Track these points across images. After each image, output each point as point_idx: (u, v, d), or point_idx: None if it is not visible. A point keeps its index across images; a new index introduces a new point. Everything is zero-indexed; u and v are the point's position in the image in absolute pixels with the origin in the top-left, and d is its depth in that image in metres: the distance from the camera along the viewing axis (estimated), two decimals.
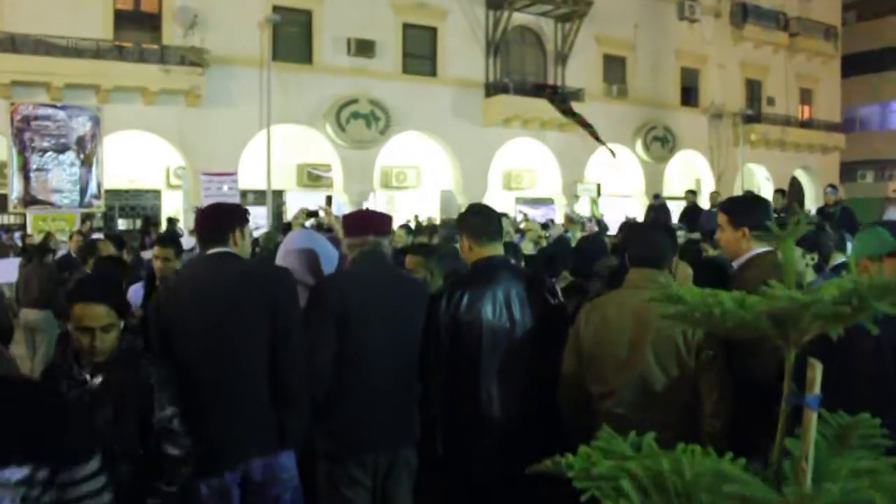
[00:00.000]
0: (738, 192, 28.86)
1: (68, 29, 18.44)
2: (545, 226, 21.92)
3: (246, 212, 3.70)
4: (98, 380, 2.87)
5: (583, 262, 5.13)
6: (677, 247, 3.65)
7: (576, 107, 24.94)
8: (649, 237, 3.43)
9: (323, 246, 4.23)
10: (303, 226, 8.29)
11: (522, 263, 5.85)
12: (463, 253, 3.68)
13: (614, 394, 3.14)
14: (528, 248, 8.64)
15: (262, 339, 3.27)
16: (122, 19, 20.03)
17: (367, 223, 3.77)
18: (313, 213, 9.74)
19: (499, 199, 26.67)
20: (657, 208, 16.73)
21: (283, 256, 4.15)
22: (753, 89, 32.18)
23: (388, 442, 3.50)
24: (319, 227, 8.38)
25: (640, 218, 24.69)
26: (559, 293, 3.66)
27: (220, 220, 3.52)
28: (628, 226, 5.49)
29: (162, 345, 3.31)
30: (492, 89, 24.85)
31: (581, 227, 12.90)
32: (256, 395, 3.28)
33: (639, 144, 28.51)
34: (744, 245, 3.50)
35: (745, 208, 3.67)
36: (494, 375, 3.40)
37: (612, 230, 16.46)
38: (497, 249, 3.57)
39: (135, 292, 5.64)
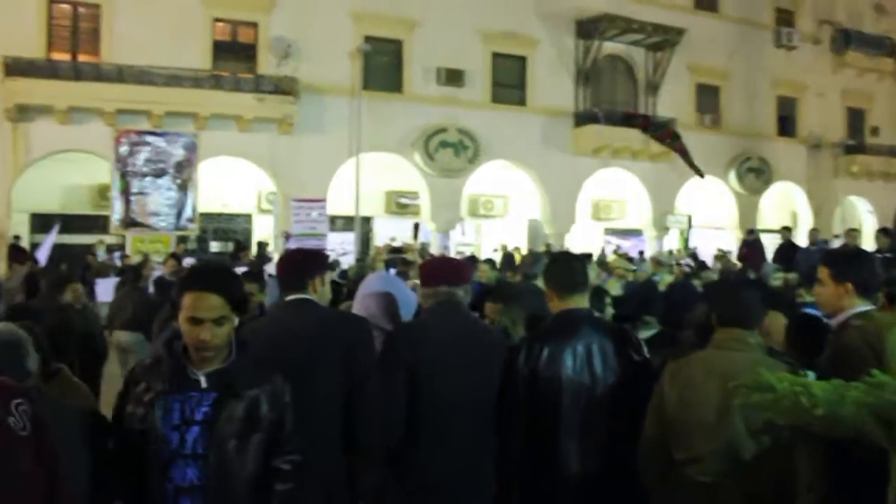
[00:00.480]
0: (837, 225, 27.76)
1: (170, 59, 19.16)
2: (632, 259, 21.47)
3: (326, 258, 3.71)
4: (211, 382, 2.65)
5: (673, 310, 4.82)
6: (767, 305, 3.44)
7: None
8: (738, 295, 3.22)
9: (401, 290, 4.20)
10: (385, 262, 8.22)
11: (609, 307, 5.61)
12: (551, 304, 3.53)
13: (699, 461, 2.95)
14: (614, 287, 8.29)
15: (337, 388, 3.24)
16: (220, 50, 20.76)
17: (442, 273, 3.70)
18: (397, 250, 9.59)
19: (587, 230, 26.37)
20: (751, 244, 16.11)
21: (361, 299, 4.13)
22: (855, 118, 30.97)
23: (463, 498, 3.41)
24: (405, 263, 8.23)
25: (734, 252, 23.99)
26: (644, 348, 3.45)
27: (301, 266, 3.52)
28: (716, 282, 5.17)
29: None
30: (581, 119, 24.61)
31: (669, 270, 12.33)
32: (328, 445, 3.23)
33: (732, 176, 27.72)
34: (845, 302, 3.20)
35: (850, 262, 3.35)
36: (573, 433, 3.25)
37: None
38: (580, 301, 3.41)
39: None
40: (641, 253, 24.53)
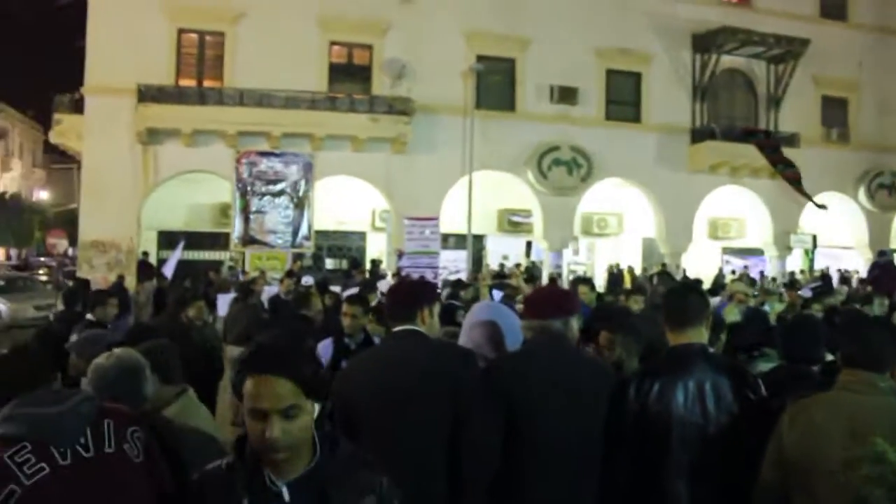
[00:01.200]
0: None
1: (288, 83, 19.79)
2: (754, 281, 20.57)
3: (435, 288, 3.63)
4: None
5: (793, 342, 4.46)
6: None
7: (790, 153, 23.58)
8: (868, 334, 2.94)
9: (508, 319, 4.07)
10: (490, 288, 8.07)
11: (723, 337, 5.33)
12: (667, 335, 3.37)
13: None
14: (732, 313, 7.88)
15: (443, 422, 3.17)
16: (336, 72, 21.29)
17: (548, 305, 3.59)
18: (501, 276, 9.44)
19: (704, 249, 25.56)
20: (882, 266, 15.05)
21: (468, 330, 4.05)
22: None
23: None
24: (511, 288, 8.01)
25: (862, 274, 22.71)
26: (761, 386, 3.22)
27: (410, 297, 3.49)
28: (843, 318, 4.77)
29: (342, 419, 3.27)
30: (698, 135, 23.91)
31: (779, 298, 11.54)
32: (431, 481, 3.15)
33: (862, 192, 26.30)
34: None
35: None
36: (683, 473, 3.08)
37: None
38: (697, 336, 3.24)
39: (324, 349, 5.61)
40: (762, 274, 23.58)
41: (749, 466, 2.99)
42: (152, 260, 21.46)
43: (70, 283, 22.68)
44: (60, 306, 10.47)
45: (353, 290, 11.83)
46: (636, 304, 8.03)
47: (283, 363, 2.06)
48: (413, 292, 3.60)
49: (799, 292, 11.82)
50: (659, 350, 3.63)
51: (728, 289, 11.48)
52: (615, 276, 22.78)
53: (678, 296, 3.44)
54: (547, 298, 3.74)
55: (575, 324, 3.62)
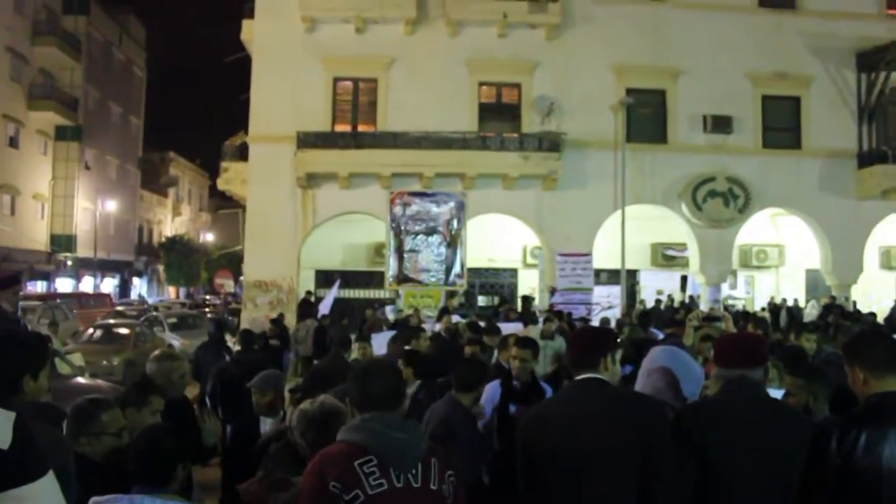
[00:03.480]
0: None
1: (439, 124, 20.26)
2: None
3: (617, 336, 3.57)
4: None
5: None
6: None
7: None
8: None
9: (685, 364, 4.00)
10: (692, 328, 7.81)
11: None
12: (855, 385, 3.10)
13: None
14: None
15: (631, 476, 3.11)
16: (486, 112, 21.56)
17: (738, 353, 3.46)
18: (713, 318, 9.14)
19: (876, 280, 23.97)
20: None
21: (647, 375, 4.01)
22: None
23: None
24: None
25: None
26: None
27: (593, 344, 3.46)
28: None
29: (527, 472, 3.28)
30: (866, 159, 22.53)
31: None
32: None
33: None
34: None
35: None
36: None
37: None
38: None
39: (492, 389, 5.56)
40: None
41: None
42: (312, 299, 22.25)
43: (229, 318, 23.99)
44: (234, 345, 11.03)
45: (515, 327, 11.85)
46: (808, 343, 7.59)
47: None
48: (598, 338, 3.57)
49: None
50: (849, 396, 3.34)
51: None
52: (774, 312, 21.72)
53: (879, 340, 3.17)
54: (739, 346, 3.60)
55: (766, 374, 3.51)
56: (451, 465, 2.61)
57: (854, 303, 21.88)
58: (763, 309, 21.88)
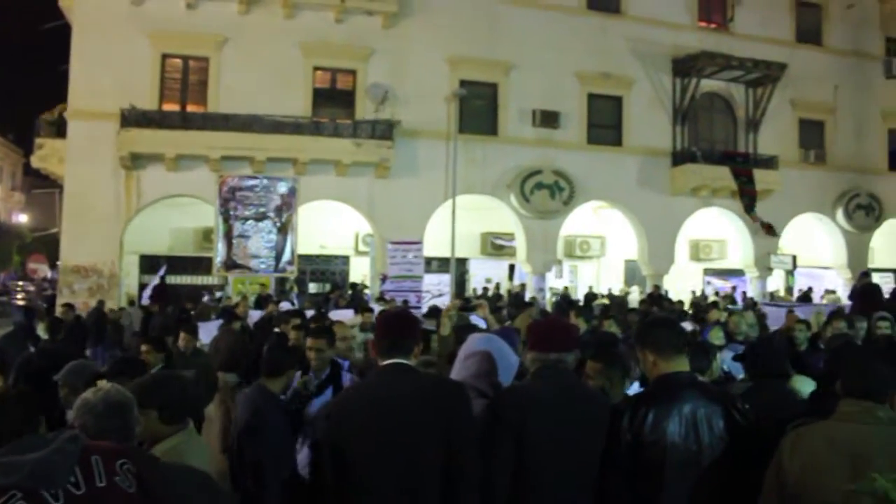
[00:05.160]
0: None
1: (272, 107, 19.89)
2: (735, 301, 20.70)
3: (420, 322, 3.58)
4: None
5: (763, 362, 4.63)
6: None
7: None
8: (869, 365, 3.03)
9: (502, 351, 4.08)
10: (449, 318, 8.05)
11: (716, 363, 5.52)
12: (646, 367, 3.41)
13: None
14: (718, 336, 7.98)
15: (436, 459, 3.17)
16: (320, 97, 21.37)
17: (553, 339, 3.61)
18: (468, 308, 9.35)
19: (686, 270, 25.74)
20: (865, 290, 13.73)
21: (463, 360, 4.05)
22: None
23: None
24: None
25: (843, 294, 22.98)
26: (751, 413, 3.28)
27: (406, 330, 3.46)
28: (842, 349, 4.93)
29: (334, 459, 3.25)
30: (679, 158, 24.17)
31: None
32: None
33: (840, 213, 26.61)
34: None
35: None
36: (678, 501, 3.11)
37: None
38: (683, 365, 3.30)
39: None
40: (745, 294, 23.77)
41: (745, 495, 3.02)
42: (134, 285, 21.36)
43: (45, 307, 22.58)
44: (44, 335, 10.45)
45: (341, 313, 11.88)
46: (612, 328, 8.12)
47: None
48: (410, 325, 3.55)
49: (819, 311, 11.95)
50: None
51: (709, 316, 11.53)
52: (588, 300, 22.83)
53: (664, 325, 3.49)
54: (554, 331, 3.75)
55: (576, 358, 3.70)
56: (122, 454, 2.48)
57: (666, 291, 23.39)
58: (603, 296, 22.97)
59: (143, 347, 6.87)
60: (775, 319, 12.24)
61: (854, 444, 2.75)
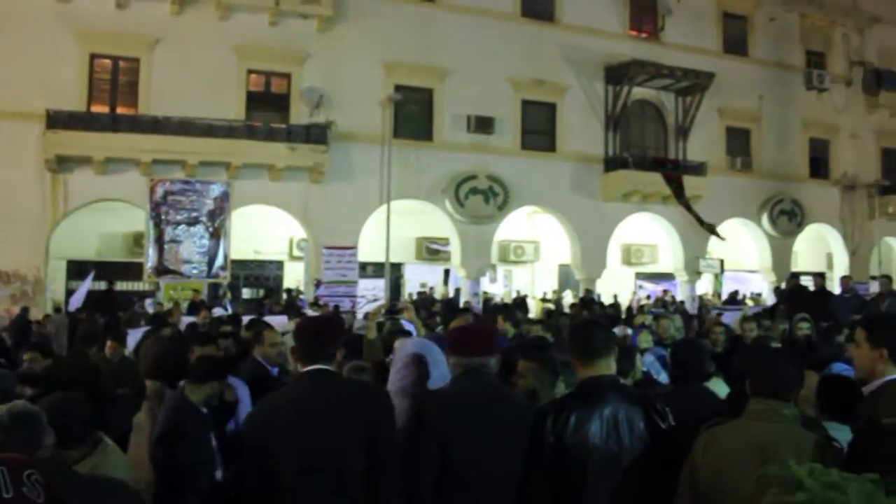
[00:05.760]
0: (874, 268, 27.32)
1: (205, 110, 19.58)
2: (666, 304, 21.21)
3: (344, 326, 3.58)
4: None
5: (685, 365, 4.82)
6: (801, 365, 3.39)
7: (698, 181, 24.60)
8: (774, 366, 3.17)
9: (434, 355, 4.11)
10: (379, 324, 8.05)
11: (638, 364, 5.65)
12: (574, 369, 3.51)
13: None
14: (646, 340, 8.21)
15: (359, 464, 3.17)
16: (254, 100, 21.12)
17: (472, 344, 3.66)
18: (395, 311, 9.35)
19: (618, 275, 26.21)
20: (793, 291, 14.24)
21: (401, 368, 4.07)
22: (891, 159, 30.63)
23: None
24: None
25: (768, 297, 23.74)
26: (670, 415, 3.39)
27: (327, 336, 3.46)
28: (750, 350, 5.17)
29: (256, 467, 3.24)
30: (611, 164, 24.61)
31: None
32: None
33: (765, 218, 27.46)
34: (879, 368, 3.24)
35: (888, 328, 3.39)
36: (600, 502, 3.19)
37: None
38: (606, 368, 3.38)
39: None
40: (674, 298, 24.35)
41: (663, 493, 3.10)
42: (61, 291, 20.82)
43: None
44: None
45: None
46: (539, 332, 8.27)
47: None
48: (332, 330, 3.56)
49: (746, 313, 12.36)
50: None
51: (636, 320, 11.80)
52: (518, 305, 23.08)
53: (586, 330, 3.55)
54: (474, 336, 3.80)
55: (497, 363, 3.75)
56: (29, 465, 2.45)
57: (598, 295, 23.80)
58: (547, 300, 23.26)
59: (28, 356, 6.66)
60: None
61: (763, 441, 2.86)
